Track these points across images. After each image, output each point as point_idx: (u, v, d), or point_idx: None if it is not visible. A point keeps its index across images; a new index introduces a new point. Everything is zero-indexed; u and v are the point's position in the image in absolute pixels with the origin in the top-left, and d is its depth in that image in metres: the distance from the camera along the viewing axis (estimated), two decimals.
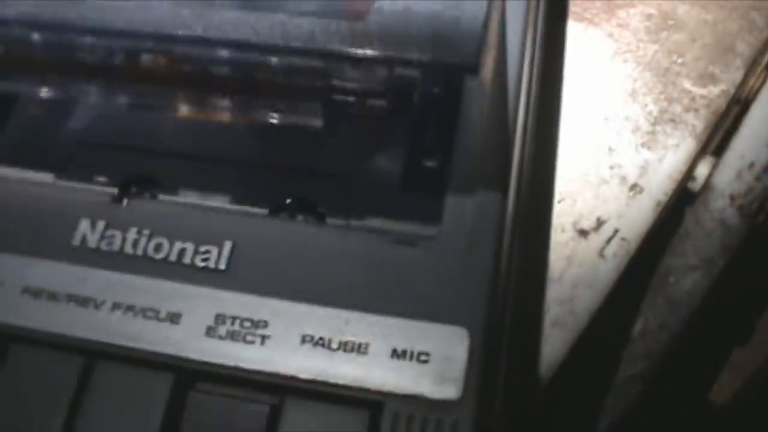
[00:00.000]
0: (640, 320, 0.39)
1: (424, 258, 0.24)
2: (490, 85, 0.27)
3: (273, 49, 0.24)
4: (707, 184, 0.37)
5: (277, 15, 0.24)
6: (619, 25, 0.40)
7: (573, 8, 0.41)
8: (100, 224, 0.26)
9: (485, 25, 0.23)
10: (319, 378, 0.23)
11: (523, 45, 0.29)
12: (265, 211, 0.27)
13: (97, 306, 0.25)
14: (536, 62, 0.30)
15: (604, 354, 0.36)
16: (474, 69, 0.22)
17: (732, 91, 0.38)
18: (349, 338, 0.23)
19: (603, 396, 0.36)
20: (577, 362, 0.33)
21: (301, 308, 0.24)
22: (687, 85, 0.38)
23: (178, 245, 0.25)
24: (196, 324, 0.24)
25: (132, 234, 0.25)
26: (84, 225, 0.26)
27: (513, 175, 0.26)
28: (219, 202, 0.27)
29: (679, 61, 0.39)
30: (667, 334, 0.39)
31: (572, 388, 0.34)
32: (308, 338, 0.23)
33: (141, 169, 0.28)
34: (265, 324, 0.24)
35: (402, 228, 0.26)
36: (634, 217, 0.35)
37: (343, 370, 0.23)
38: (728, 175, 0.36)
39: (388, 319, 0.23)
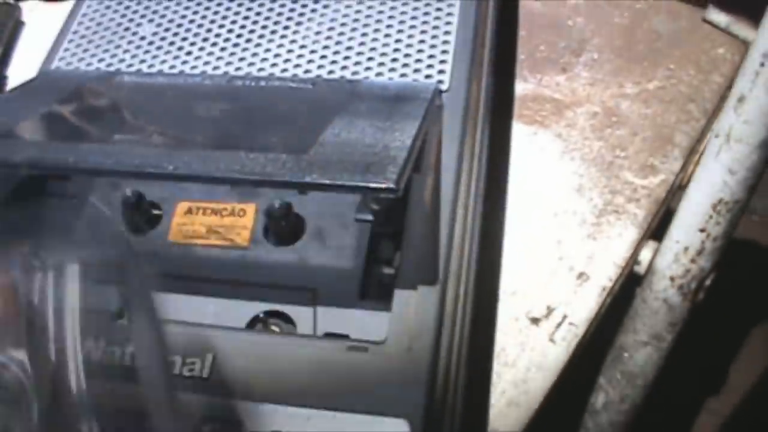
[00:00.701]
0: (602, 394, 0.43)
1: (372, 361, 0.28)
2: (430, 193, 0.32)
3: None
4: (651, 267, 0.41)
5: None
6: (567, 126, 0.45)
7: (525, 111, 0.45)
8: (102, 341, 0.30)
9: (409, 155, 0.28)
10: None
11: (462, 148, 0.33)
12: (242, 322, 0.31)
13: None
14: (477, 163, 0.34)
15: (559, 428, 0.39)
16: (397, 193, 0.26)
17: (671, 179, 0.43)
18: None
19: None
20: None
21: (271, 408, 0.28)
22: (629, 177, 0.43)
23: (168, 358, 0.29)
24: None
25: (129, 348, 0.30)
26: (88, 342, 0.30)
27: (451, 279, 0.31)
28: (203, 316, 0.31)
29: (622, 155, 0.43)
30: (628, 404, 0.43)
31: None
32: None
33: None
34: (241, 423, 0.28)
35: (358, 332, 0.30)
36: (581, 303, 0.39)
37: None
38: (667, 258, 0.40)
39: (342, 415, 0.27)
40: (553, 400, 0.37)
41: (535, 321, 0.38)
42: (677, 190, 0.43)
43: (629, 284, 0.41)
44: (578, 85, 0.46)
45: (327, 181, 0.26)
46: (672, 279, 0.40)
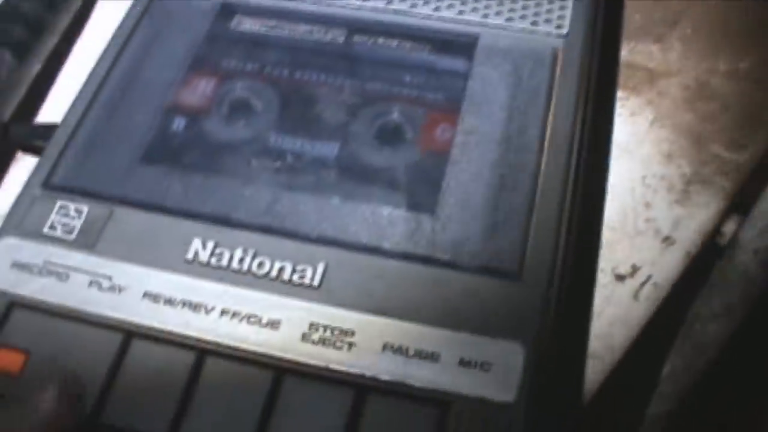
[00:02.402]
0: (668, 363, 0.43)
1: (488, 287, 0.28)
2: (549, 134, 0.32)
3: None
4: (733, 240, 0.41)
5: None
6: (659, 94, 0.44)
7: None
8: (210, 243, 0.30)
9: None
10: (397, 379, 0.27)
11: (576, 110, 0.33)
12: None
13: (208, 311, 0.29)
14: (587, 126, 0.34)
15: (637, 389, 0.39)
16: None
17: (758, 156, 0.43)
18: (424, 347, 0.27)
19: (635, 427, 0.40)
20: (612, 388, 0.37)
21: (383, 321, 0.28)
22: (718, 150, 0.43)
23: (278, 264, 0.29)
24: (292, 330, 0.28)
25: (238, 253, 0.30)
26: (196, 243, 0.30)
27: (565, 210, 0.30)
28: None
29: (712, 128, 0.43)
30: (692, 377, 0.43)
31: (608, 416, 0.37)
32: (389, 346, 0.28)
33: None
34: (352, 333, 0.28)
35: None
36: (665, 266, 0.39)
37: (418, 374, 0.27)
38: (752, 231, 0.40)
39: (457, 334, 0.27)
40: (630, 359, 0.37)
41: (620, 278, 0.38)
42: (762, 167, 0.43)
43: (710, 255, 0.41)
44: (671, 57, 0.46)
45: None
46: (755, 252, 0.40)
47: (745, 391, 0.47)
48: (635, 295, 0.38)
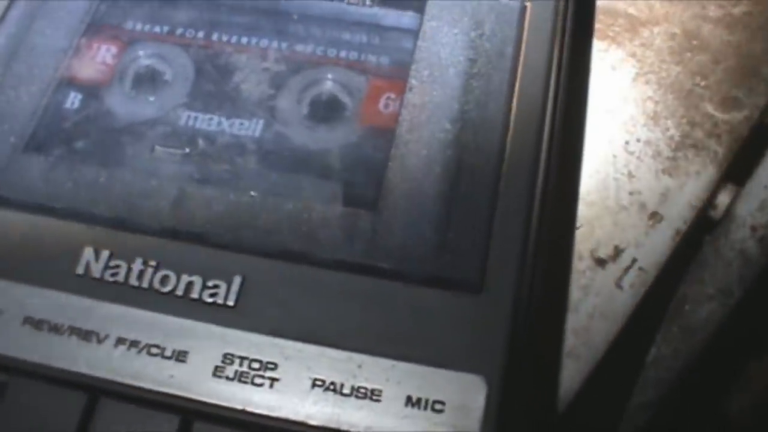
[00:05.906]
0: (654, 348, 0.38)
1: (441, 303, 0.23)
2: (516, 106, 0.27)
3: None
4: (728, 213, 0.36)
5: None
6: (642, 45, 0.39)
7: (596, 25, 0.39)
8: (105, 253, 0.25)
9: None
10: (330, 425, 0.22)
11: (549, 67, 0.28)
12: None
13: (100, 341, 0.24)
14: (561, 86, 0.29)
15: (620, 382, 0.35)
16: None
17: (755, 116, 0.37)
18: (362, 384, 0.22)
19: (618, 424, 0.36)
20: (592, 392, 0.32)
21: (313, 350, 0.23)
22: (710, 109, 0.37)
23: (185, 278, 0.24)
24: (203, 363, 0.23)
25: (138, 265, 0.24)
26: (88, 253, 0.25)
27: (536, 208, 0.25)
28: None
29: (702, 83, 0.38)
30: (681, 361, 0.38)
31: (587, 417, 0.33)
32: (319, 382, 0.22)
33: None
34: (275, 366, 0.23)
35: None
36: (652, 247, 0.34)
37: (355, 418, 0.22)
38: (750, 205, 0.35)
39: (403, 365, 0.22)
40: (613, 357, 0.32)
41: (600, 262, 0.33)
42: (760, 129, 0.38)
43: (701, 230, 0.36)
44: (656, 2, 0.40)
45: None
46: (753, 228, 0.35)
47: (739, 361, 0.43)
48: (618, 283, 0.33)
